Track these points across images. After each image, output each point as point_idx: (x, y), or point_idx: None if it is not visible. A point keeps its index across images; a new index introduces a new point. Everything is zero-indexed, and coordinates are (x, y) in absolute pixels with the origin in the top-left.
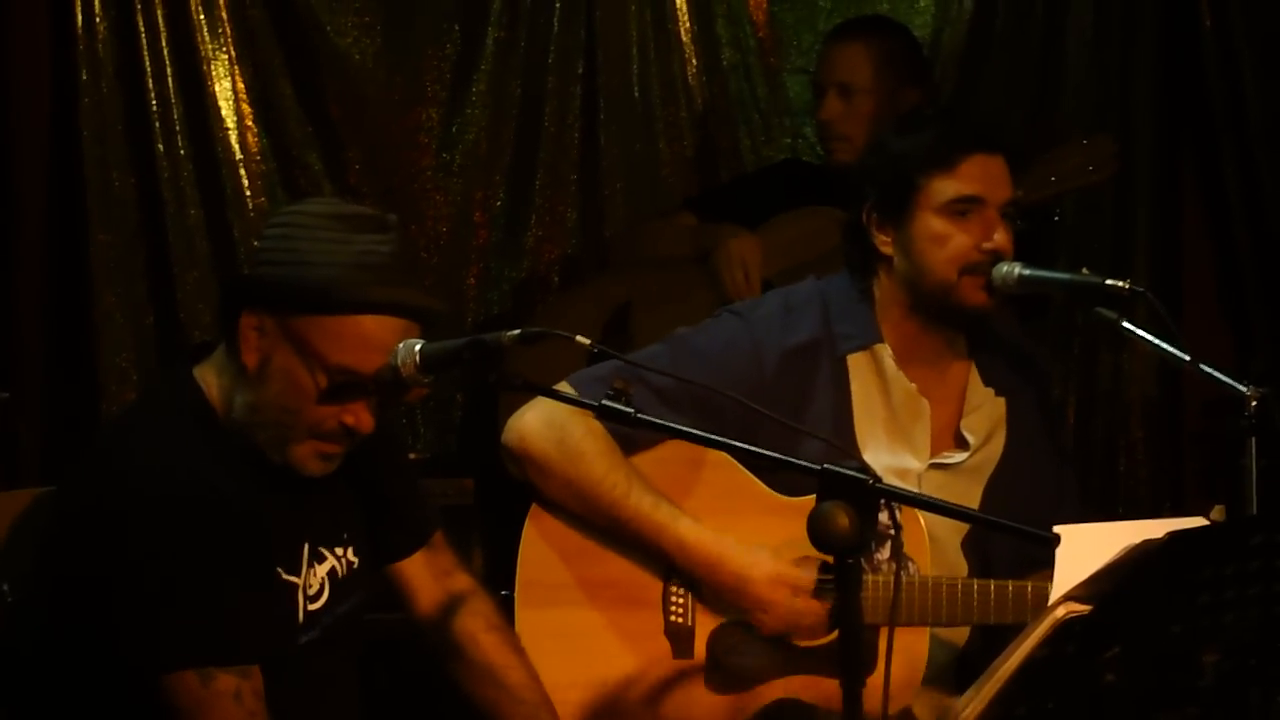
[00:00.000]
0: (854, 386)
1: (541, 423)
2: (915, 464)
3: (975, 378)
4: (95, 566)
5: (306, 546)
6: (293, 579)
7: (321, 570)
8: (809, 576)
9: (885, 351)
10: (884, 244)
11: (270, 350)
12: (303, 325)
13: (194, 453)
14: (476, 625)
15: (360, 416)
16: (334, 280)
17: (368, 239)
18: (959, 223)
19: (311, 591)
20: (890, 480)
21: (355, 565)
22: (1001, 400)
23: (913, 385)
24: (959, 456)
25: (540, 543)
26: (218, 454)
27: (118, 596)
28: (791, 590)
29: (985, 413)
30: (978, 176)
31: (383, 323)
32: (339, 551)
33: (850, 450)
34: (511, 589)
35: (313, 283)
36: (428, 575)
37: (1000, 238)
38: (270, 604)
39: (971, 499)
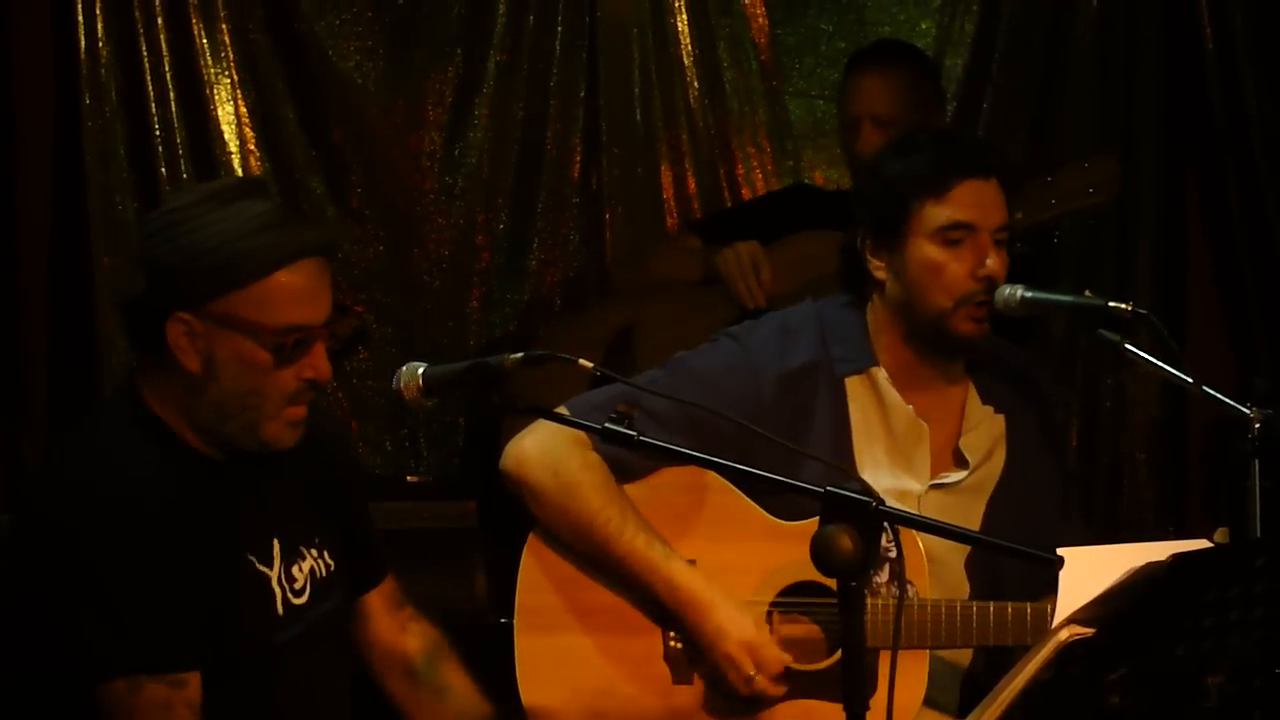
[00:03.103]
0: (852, 409)
1: (539, 450)
2: (916, 486)
3: (973, 396)
4: (31, 578)
5: (277, 541)
6: (264, 570)
7: (306, 566)
8: (779, 663)
9: (881, 374)
10: (878, 269)
11: (208, 346)
12: (228, 307)
13: (134, 460)
14: (429, 649)
15: (318, 366)
16: (237, 252)
17: (247, 202)
18: (952, 250)
19: (296, 587)
20: (890, 503)
21: (332, 568)
22: (1000, 418)
23: (910, 408)
24: (959, 475)
25: (539, 568)
26: (164, 458)
27: (50, 606)
28: (757, 664)
29: (984, 430)
30: (969, 203)
31: (297, 270)
32: (314, 552)
33: (850, 473)
34: (511, 615)
35: (219, 263)
36: (384, 603)
37: (993, 264)
38: (229, 601)
39: (973, 518)
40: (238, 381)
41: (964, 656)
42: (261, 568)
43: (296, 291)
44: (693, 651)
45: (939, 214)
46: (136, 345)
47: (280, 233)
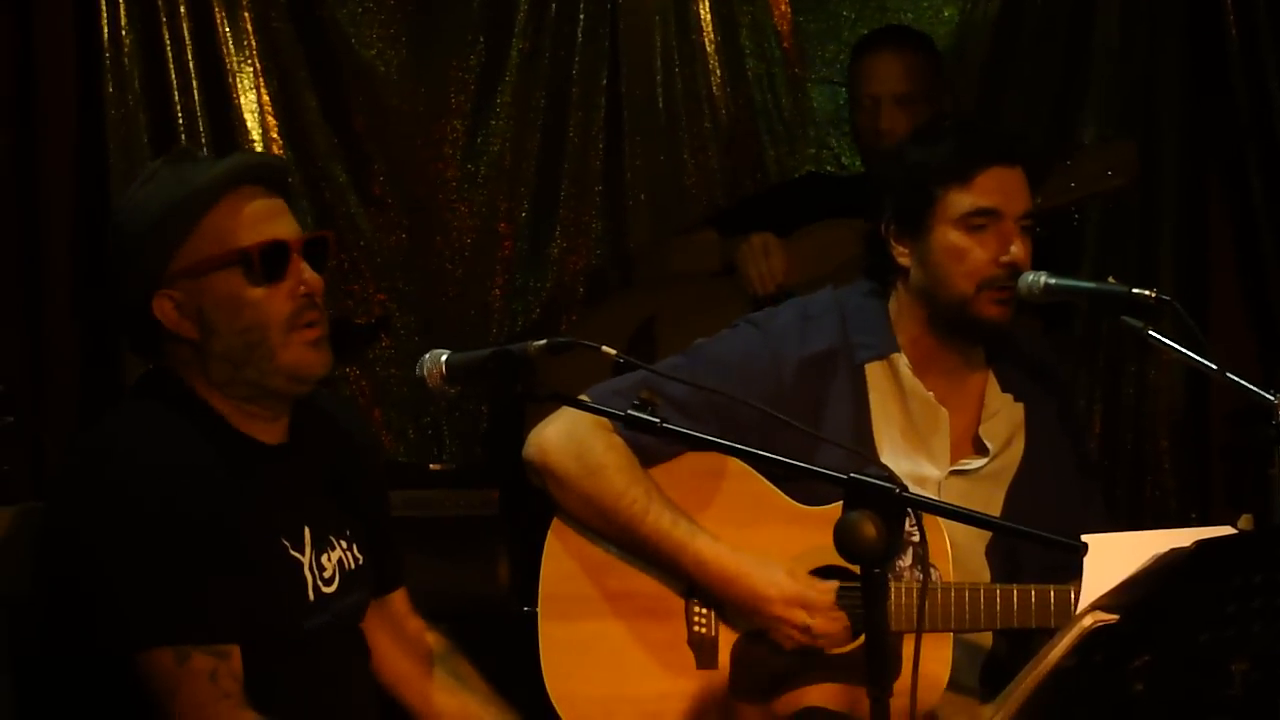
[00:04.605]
0: (872, 395)
1: (562, 436)
2: (935, 472)
3: (993, 384)
4: (72, 555)
5: (308, 530)
6: (297, 555)
7: (335, 556)
8: (826, 596)
9: (902, 361)
10: (902, 256)
11: (195, 304)
12: (189, 257)
13: (173, 437)
14: (446, 648)
15: (307, 279)
16: (175, 205)
17: (171, 168)
18: (976, 236)
19: (325, 575)
20: (910, 488)
21: (360, 562)
22: (1020, 406)
23: (930, 394)
24: (979, 462)
25: (563, 556)
26: (202, 437)
27: (95, 578)
28: (808, 610)
29: (1004, 418)
30: (994, 189)
31: (240, 195)
32: (343, 544)
33: (871, 458)
34: (535, 603)
35: (162, 223)
36: (406, 604)
37: (1017, 250)
38: (263, 581)
39: (993, 505)
40: (233, 322)
41: (986, 639)
42: (294, 553)
43: (247, 212)
44: (721, 628)
45: (963, 200)
46: (143, 351)
47: (209, 174)
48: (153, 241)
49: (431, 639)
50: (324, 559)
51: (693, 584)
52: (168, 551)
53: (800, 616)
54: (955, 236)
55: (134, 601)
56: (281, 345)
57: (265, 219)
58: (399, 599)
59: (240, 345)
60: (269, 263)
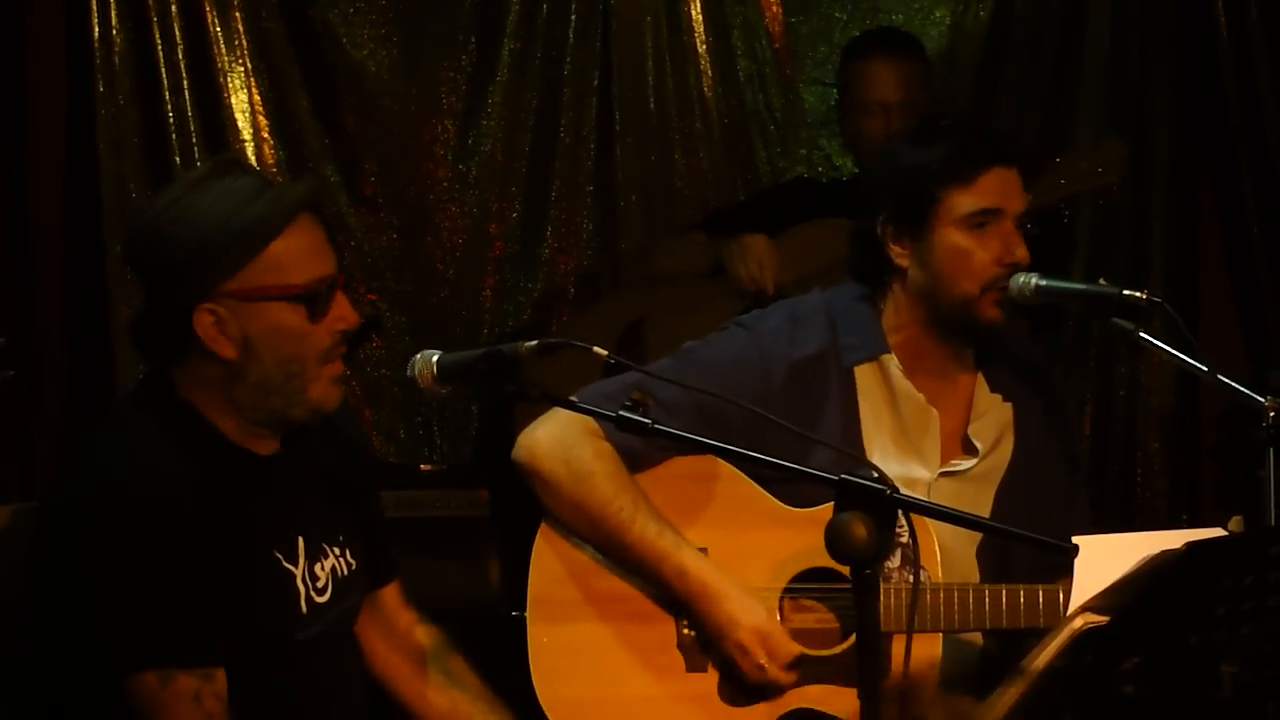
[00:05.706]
0: (861, 398)
1: (552, 441)
2: (925, 474)
3: (982, 384)
4: (60, 571)
5: (302, 540)
6: (290, 567)
7: (328, 564)
8: (792, 649)
9: (892, 362)
10: (899, 256)
11: (240, 327)
12: (247, 281)
13: (164, 454)
14: (438, 644)
15: (346, 315)
16: (239, 226)
17: (227, 180)
18: (978, 236)
19: (319, 585)
20: (900, 490)
21: (353, 567)
22: (1009, 406)
23: (920, 395)
24: (968, 463)
25: (552, 558)
26: (194, 452)
27: (80, 598)
28: (769, 651)
29: (993, 418)
30: (995, 190)
31: (299, 225)
32: (336, 551)
33: (862, 460)
34: (523, 606)
35: (226, 242)
36: (397, 598)
37: (1021, 252)
38: (254, 598)
39: (983, 505)
40: (277, 352)
41: (977, 639)
42: (287, 565)
43: (306, 245)
44: (705, 639)
45: (966, 201)
46: (158, 357)
47: (271, 196)
48: (207, 258)
49: (424, 634)
50: (317, 568)
51: (672, 595)
52: (154, 574)
53: (759, 653)
54: (958, 237)
55: (119, 624)
56: (314, 379)
57: (320, 254)
58: (391, 593)
59: (279, 375)
60: (324, 300)
